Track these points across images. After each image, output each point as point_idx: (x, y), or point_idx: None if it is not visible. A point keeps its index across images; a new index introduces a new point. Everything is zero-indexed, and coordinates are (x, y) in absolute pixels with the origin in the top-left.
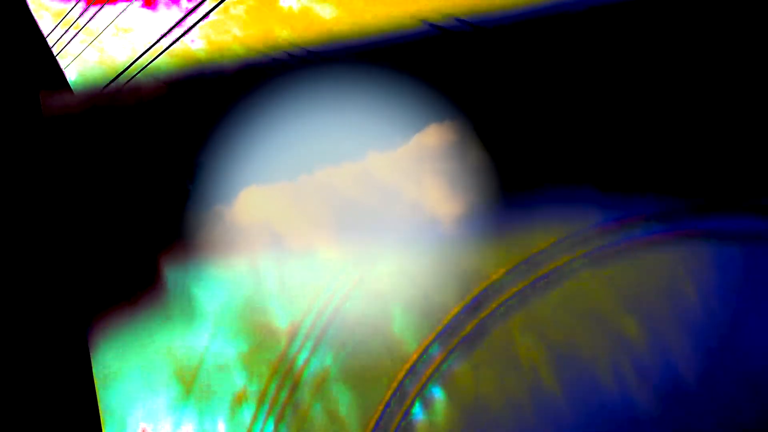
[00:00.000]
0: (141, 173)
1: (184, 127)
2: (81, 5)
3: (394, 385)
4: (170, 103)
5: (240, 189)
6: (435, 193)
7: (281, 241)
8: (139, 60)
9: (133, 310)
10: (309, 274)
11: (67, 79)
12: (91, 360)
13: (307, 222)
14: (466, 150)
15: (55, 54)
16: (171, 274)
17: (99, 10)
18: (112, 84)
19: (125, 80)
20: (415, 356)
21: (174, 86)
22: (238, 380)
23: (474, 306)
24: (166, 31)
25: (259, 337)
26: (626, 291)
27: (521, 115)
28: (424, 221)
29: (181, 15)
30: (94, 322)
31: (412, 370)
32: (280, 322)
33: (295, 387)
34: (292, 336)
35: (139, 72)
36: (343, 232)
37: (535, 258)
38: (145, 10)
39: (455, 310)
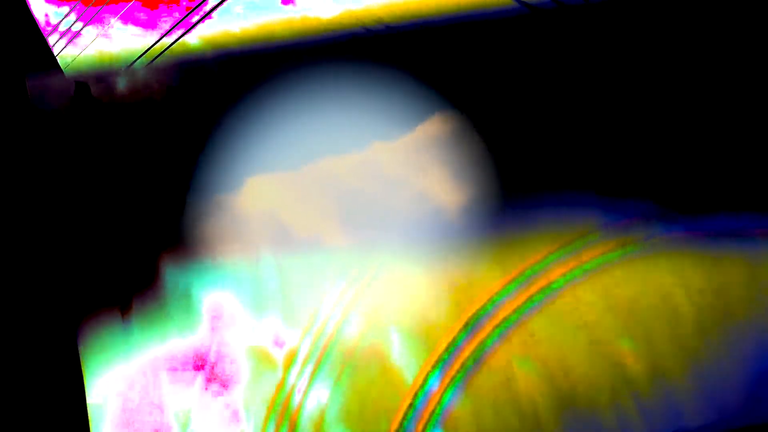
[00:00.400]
0: (143, 167)
1: (187, 119)
2: (81, 6)
3: (395, 426)
4: (173, 95)
5: (244, 179)
6: (438, 183)
7: (285, 232)
8: (139, 60)
9: (130, 317)
10: (310, 281)
11: (67, 79)
12: (84, 383)
13: (312, 211)
14: (469, 141)
15: (55, 54)
16: (170, 278)
17: (99, 10)
18: (113, 76)
19: (125, 73)
20: (414, 391)
21: (177, 77)
22: (237, 421)
23: (472, 326)
24: (166, 31)
25: (256, 368)
26: (624, 309)
27: (527, 116)
28: (427, 211)
29: (181, 15)
30: (84, 330)
31: (411, 407)
32: (278, 348)
33: (294, 429)
34: (289, 364)
35: (138, 72)
36: (347, 222)
37: (532, 269)
38: (144, 11)
39: (453, 332)
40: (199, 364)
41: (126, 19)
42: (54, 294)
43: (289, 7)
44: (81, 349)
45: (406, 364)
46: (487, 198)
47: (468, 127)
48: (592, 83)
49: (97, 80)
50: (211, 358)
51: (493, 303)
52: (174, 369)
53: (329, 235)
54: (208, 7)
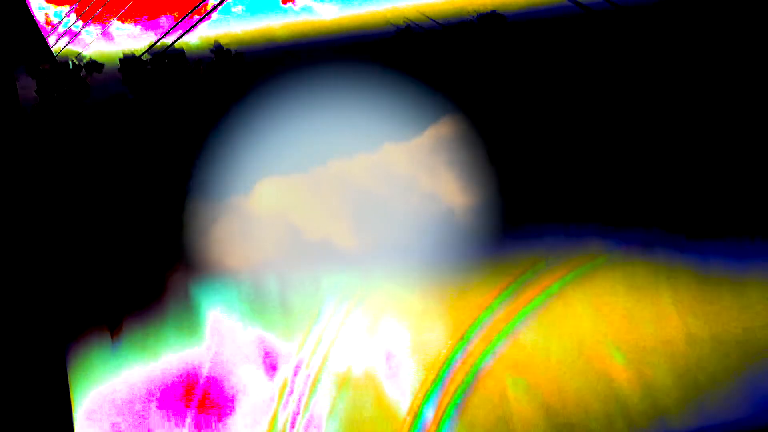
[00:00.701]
0: (141, 171)
1: (190, 120)
2: (81, 6)
3: None
4: (175, 96)
5: (252, 182)
6: (448, 184)
7: (292, 236)
8: (139, 60)
9: (120, 337)
10: (312, 299)
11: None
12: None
13: (320, 213)
14: (479, 143)
15: (54, 55)
16: (167, 292)
17: (99, 10)
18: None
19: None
20: (410, 420)
21: (178, 77)
22: None
23: (464, 345)
24: (166, 31)
25: (251, 397)
26: (615, 323)
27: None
28: (436, 212)
29: (181, 15)
30: (73, 350)
31: None
32: (273, 373)
33: None
34: (283, 392)
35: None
36: (356, 224)
37: (524, 280)
38: (145, 11)
39: (447, 352)
40: (193, 392)
41: (126, 19)
42: (41, 309)
43: (289, 6)
44: (69, 370)
45: (402, 390)
46: (494, 201)
47: (477, 129)
48: (595, 86)
49: (98, 80)
50: (205, 385)
51: (485, 318)
52: (165, 396)
53: (337, 238)
54: (208, 7)
